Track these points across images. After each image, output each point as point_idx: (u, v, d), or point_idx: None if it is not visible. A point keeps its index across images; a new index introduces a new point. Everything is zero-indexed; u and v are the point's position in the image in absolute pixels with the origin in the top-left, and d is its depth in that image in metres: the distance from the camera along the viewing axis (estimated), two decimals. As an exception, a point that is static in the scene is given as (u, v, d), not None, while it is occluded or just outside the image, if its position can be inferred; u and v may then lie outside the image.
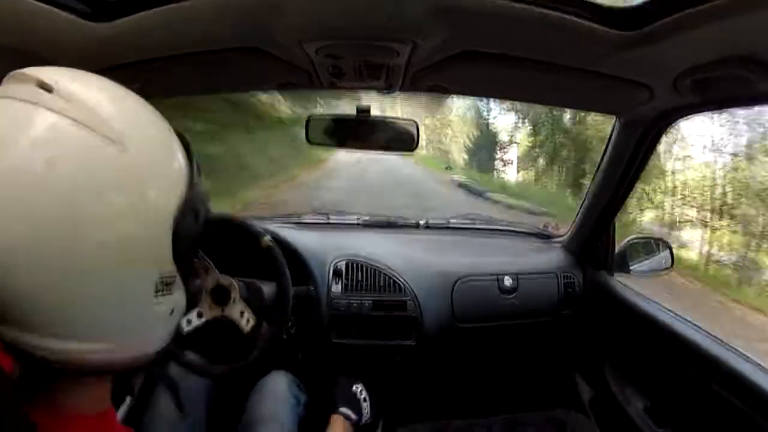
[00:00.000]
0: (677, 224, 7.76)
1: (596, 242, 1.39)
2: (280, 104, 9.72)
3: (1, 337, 0.35)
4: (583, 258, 1.44)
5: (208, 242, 0.85)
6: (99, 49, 0.72)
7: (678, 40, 0.62)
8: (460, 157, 14.58)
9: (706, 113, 0.93)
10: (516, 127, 11.80)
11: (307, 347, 1.24)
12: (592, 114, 6.98)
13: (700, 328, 1.04)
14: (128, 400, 1.08)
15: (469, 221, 1.70)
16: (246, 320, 0.88)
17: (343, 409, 1.04)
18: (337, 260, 1.29)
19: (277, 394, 1.03)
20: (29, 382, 0.41)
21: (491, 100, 12.72)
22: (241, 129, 7.87)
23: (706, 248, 7.16)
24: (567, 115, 10.20)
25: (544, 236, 1.62)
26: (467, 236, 1.62)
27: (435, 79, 0.92)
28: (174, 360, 0.88)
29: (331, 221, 1.60)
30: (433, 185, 10.36)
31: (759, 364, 0.87)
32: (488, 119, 12.79)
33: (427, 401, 1.54)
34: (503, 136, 12.30)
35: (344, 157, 10.36)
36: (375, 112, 1.09)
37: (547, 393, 1.57)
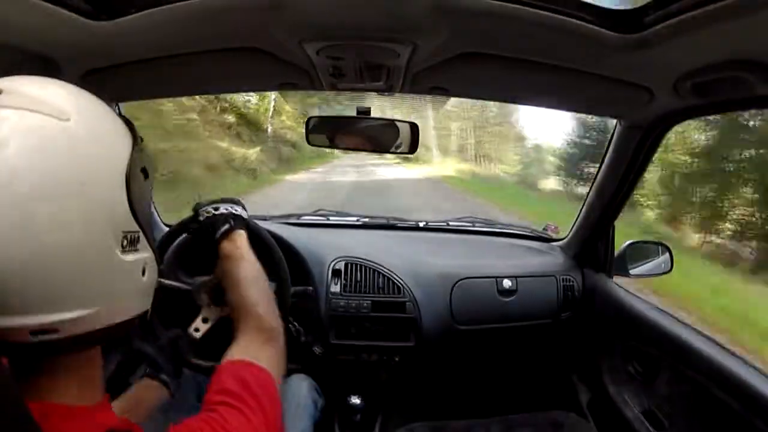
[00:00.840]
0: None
1: (596, 245, 1.39)
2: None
3: None
4: (582, 260, 1.44)
5: (211, 242, 0.86)
6: (100, 48, 0.72)
7: (678, 43, 0.62)
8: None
9: (706, 116, 0.93)
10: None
11: (306, 349, 1.24)
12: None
13: (699, 331, 1.04)
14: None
15: (468, 223, 1.70)
16: None
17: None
18: (336, 260, 1.29)
19: (299, 400, 1.03)
20: (25, 376, 0.41)
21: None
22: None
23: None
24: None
25: (544, 239, 1.62)
26: (466, 237, 1.62)
27: (435, 81, 0.92)
28: (184, 365, 0.87)
29: (330, 221, 1.60)
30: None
31: (757, 368, 0.87)
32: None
33: (426, 402, 1.54)
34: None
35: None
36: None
37: (545, 395, 1.57)
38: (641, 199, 9.01)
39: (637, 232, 6.45)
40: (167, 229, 1.02)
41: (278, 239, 1.06)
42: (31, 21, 0.63)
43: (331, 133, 1.16)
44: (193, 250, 1.04)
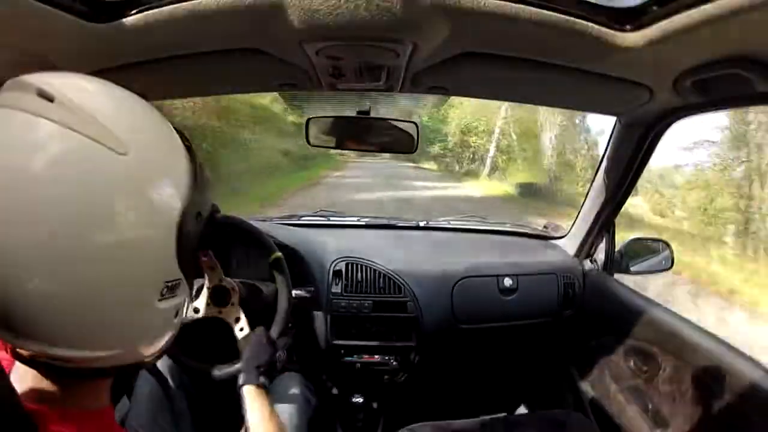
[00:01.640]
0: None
1: (596, 242, 1.39)
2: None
3: (20, 349, 0.36)
4: (583, 258, 1.44)
5: (218, 242, 0.85)
6: (98, 50, 0.72)
7: (678, 41, 0.62)
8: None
9: (705, 113, 0.93)
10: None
11: (307, 349, 1.24)
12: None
13: (700, 328, 1.04)
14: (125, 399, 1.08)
15: (469, 222, 1.70)
16: (240, 328, 0.88)
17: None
18: (337, 261, 1.29)
19: (292, 397, 1.03)
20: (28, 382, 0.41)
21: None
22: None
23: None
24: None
25: (544, 237, 1.61)
26: (467, 236, 1.62)
27: (435, 81, 0.92)
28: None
29: (331, 221, 1.60)
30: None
31: (759, 364, 0.87)
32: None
33: (428, 401, 1.54)
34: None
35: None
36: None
37: (547, 393, 1.57)
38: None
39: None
40: None
41: (278, 240, 1.06)
42: (29, 23, 0.62)
43: (331, 133, 1.16)
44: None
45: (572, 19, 0.63)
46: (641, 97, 0.87)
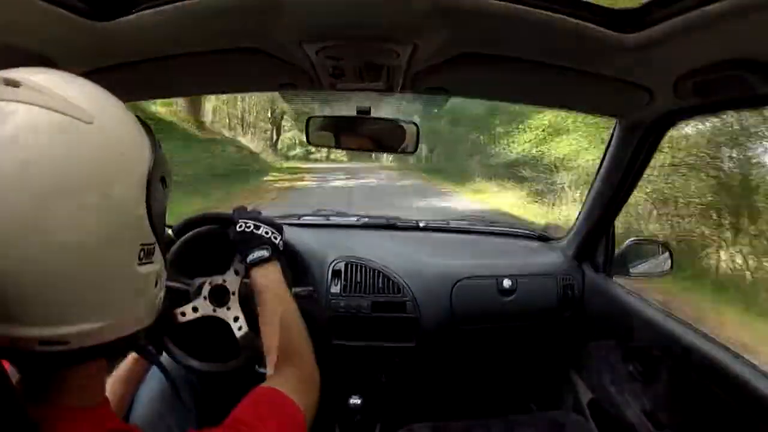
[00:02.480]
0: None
1: (596, 244, 1.39)
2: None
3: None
4: (582, 260, 1.44)
5: (220, 243, 0.85)
6: (98, 48, 0.72)
7: (679, 43, 0.62)
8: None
9: (706, 115, 0.93)
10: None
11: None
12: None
13: (699, 330, 1.04)
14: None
15: (468, 223, 1.70)
16: (238, 327, 0.88)
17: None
18: (336, 261, 1.29)
19: None
20: (29, 379, 0.41)
21: None
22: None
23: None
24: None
25: (544, 238, 1.61)
26: (466, 237, 1.62)
27: (435, 81, 0.92)
28: (161, 347, 0.88)
29: (330, 221, 1.60)
30: None
31: (758, 367, 0.87)
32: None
33: (426, 402, 1.54)
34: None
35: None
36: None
37: (545, 395, 1.57)
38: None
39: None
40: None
41: None
42: (29, 20, 0.62)
43: (332, 132, 1.15)
44: (197, 250, 1.03)
45: (573, 20, 0.62)
46: (641, 99, 0.87)
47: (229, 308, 0.89)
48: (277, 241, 0.86)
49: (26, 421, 0.35)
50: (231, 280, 0.90)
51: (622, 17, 0.64)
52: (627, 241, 1.40)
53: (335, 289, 1.26)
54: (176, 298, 0.92)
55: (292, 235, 1.26)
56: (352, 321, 1.25)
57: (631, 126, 1.08)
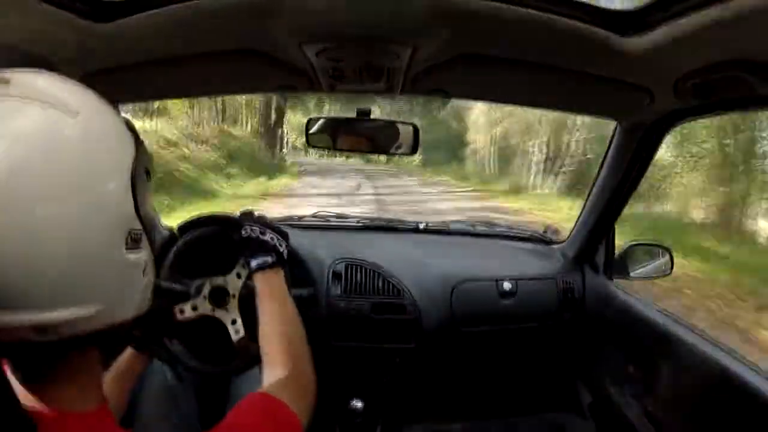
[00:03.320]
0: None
1: (596, 247, 1.39)
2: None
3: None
4: (582, 262, 1.44)
5: (222, 244, 0.85)
6: (98, 49, 0.72)
7: (678, 44, 0.62)
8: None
9: (706, 117, 0.93)
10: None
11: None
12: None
13: (699, 331, 1.03)
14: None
15: (468, 225, 1.70)
16: (235, 330, 0.87)
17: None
18: (336, 262, 1.29)
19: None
20: (24, 383, 0.41)
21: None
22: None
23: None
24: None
25: (544, 241, 1.61)
26: (467, 240, 1.62)
27: (435, 82, 0.92)
28: (160, 345, 0.88)
29: (330, 223, 1.60)
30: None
31: (759, 370, 0.87)
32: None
33: (427, 404, 1.54)
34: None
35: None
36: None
37: (546, 397, 1.56)
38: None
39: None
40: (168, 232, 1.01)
41: None
42: (28, 22, 0.62)
43: (331, 133, 1.15)
44: (200, 251, 1.02)
45: (573, 22, 0.62)
46: (642, 101, 0.87)
47: (227, 310, 0.89)
48: (282, 249, 0.85)
49: (27, 424, 0.35)
50: (232, 283, 0.90)
51: (622, 19, 0.64)
52: (627, 244, 1.40)
53: (335, 290, 1.26)
54: (176, 297, 0.92)
55: (293, 237, 1.26)
56: (352, 323, 1.24)
57: (631, 127, 1.08)
